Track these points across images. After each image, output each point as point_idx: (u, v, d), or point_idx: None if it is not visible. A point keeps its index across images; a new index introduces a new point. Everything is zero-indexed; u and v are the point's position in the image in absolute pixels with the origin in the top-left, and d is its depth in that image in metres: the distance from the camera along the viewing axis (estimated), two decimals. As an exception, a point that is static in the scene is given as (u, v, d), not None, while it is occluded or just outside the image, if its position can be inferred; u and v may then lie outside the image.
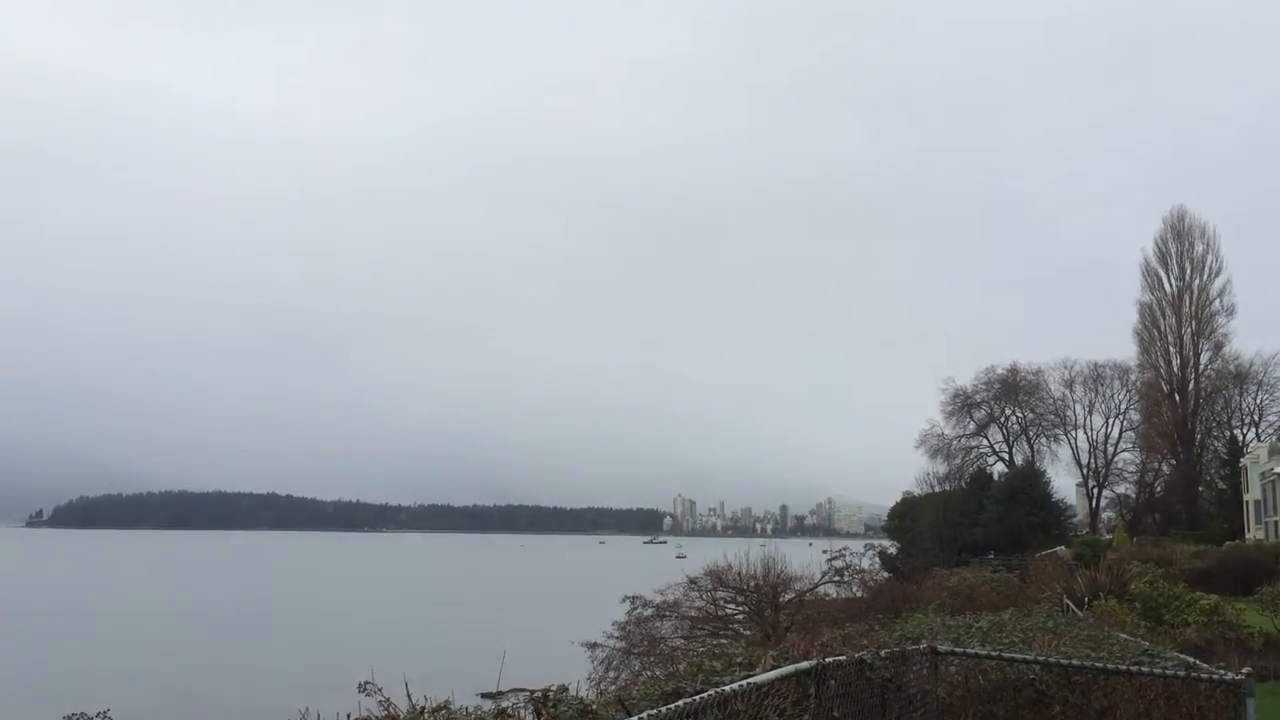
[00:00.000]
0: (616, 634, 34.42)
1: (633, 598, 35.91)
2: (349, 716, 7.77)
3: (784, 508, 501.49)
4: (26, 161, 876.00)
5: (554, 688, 6.97)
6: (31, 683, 42.37)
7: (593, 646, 34.05)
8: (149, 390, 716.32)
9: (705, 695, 6.25)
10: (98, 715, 5.74)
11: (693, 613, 35.13)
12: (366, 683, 7.58)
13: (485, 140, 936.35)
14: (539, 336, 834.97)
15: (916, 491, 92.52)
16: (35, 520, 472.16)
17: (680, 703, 6.01)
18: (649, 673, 24.62)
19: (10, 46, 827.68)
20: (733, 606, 35.36)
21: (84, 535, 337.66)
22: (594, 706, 6.54)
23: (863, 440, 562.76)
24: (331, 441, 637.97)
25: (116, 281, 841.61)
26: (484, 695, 19.38)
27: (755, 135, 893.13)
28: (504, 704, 7.14)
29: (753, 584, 34.37)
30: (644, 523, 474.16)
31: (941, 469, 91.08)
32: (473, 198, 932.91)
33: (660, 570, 48.45)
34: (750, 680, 6.86)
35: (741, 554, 35.32)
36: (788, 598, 34.73)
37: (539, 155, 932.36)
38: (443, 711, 6.95)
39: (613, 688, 21.66)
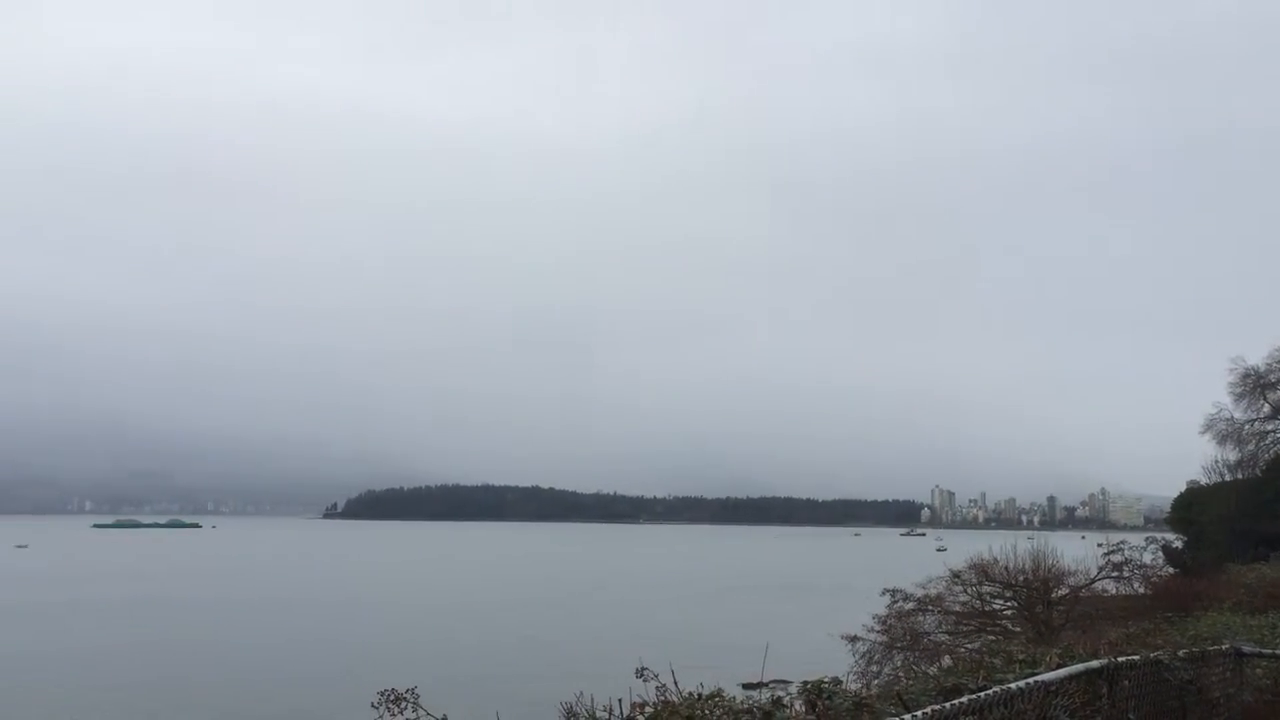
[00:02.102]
0: (877, 627, 33.69)
1: (893, 591, 35.04)
2: (619, 701, 8.01)
3: (1052, 499, 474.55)
4: (312, 189, 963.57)
5: (827, 679, 6.92)
6: (342, 659, 46.63)
7: (853, 640, 33.46)
8: (427, 394, 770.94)
9: (990, 692, 6.01)
10: (407, 691, 6.17)
11: (957, 608, 33.85)
12: (644, 669, 7.77)
13: (717, 134, 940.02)
14: (787, 329, 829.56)
15: (1203, 481, 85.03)
16: (330, 512, 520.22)
17: (963, 699, 5.80)
18: (919, 668, 24.00)
19: (279, 83, 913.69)
20: (1000, 602, 33.80)
21: (369, 525, 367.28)
22: (869, 700, 6.43)
23: (1139, 428, 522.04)
24: (590, 437, 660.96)
25: (387, 297, 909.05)
26: (745, 686, 19.53)
27: (992, 113, 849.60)
28: (776, 694, 7.15)
29: (1021, 579, 32.72)
30: (900, 515, 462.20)
31: (1232, 456, 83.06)
32: (708, 192, 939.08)
33: (919, 563, 47.14)
34: (1036, 678, 6.55)
35: (1007, 547, 33.77)
36: (1060, 593, 32.84)
37: (775, 147, 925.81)
38: (716, 699, 7.03)
39: (876, 682, 21.24)
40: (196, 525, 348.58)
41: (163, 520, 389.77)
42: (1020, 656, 7.82)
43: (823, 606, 72.66)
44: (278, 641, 54.10)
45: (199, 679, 40.66)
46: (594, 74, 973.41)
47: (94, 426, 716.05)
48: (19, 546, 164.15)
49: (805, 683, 6.60)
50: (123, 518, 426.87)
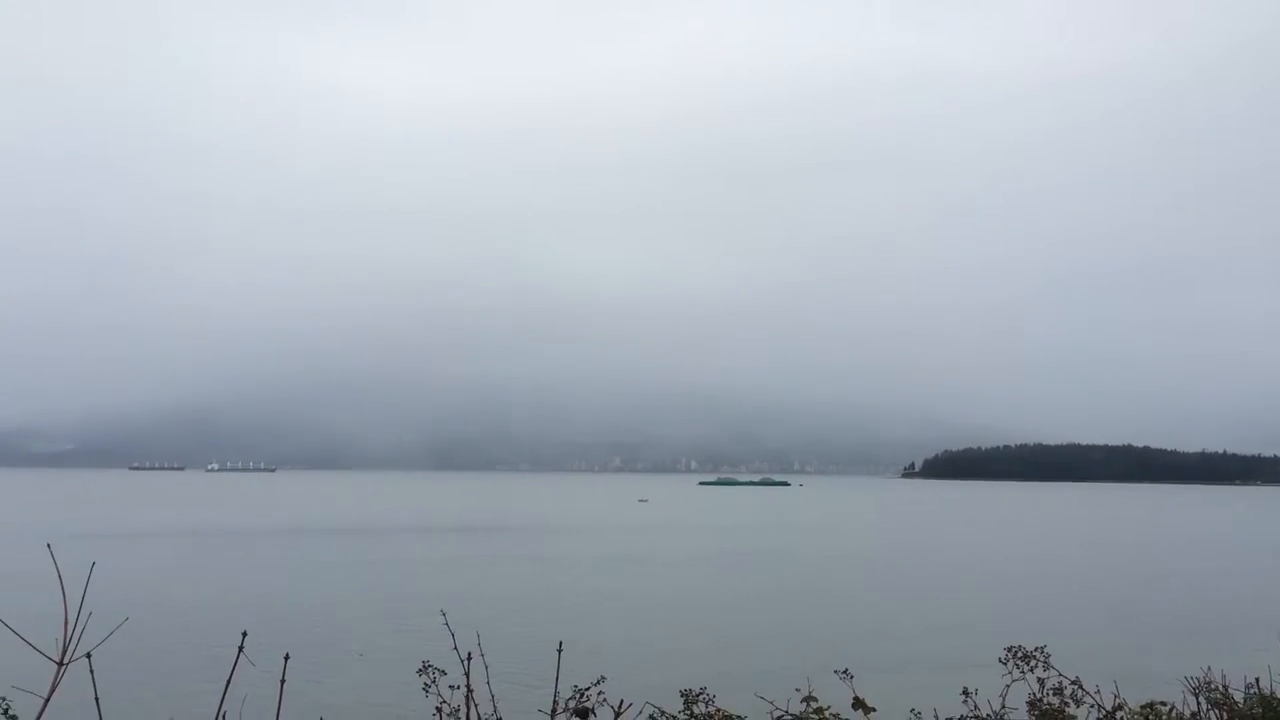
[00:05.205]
0: None
1: None
2: (1256, 680, 7.19)
3: None
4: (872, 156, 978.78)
5: None
6: (961, 611, 47.45)
7: None
8: (1007, 351, 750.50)
9: None
10: (1036, 650, 6.04)
11: None
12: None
13: None
14: None
15: None
16: (909, 471, 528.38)
17: None
18: None
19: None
20: None
21: (948, 485, 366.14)
22: None
23: None
24: (1193, 390, 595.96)
25: (962, 253, 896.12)
26: None
27: None
28: None
29: None
30: None
31: None
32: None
33: None
34: None
35: None
36: None
37: None
38: None
39: None
40: (785, 483, 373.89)
41: (756, 479, 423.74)
42: None
43: None
44: (895, 592, 56.18)
45: (828, 627, 43.10)
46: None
47: (699, 395, 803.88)
48: (641, 501, 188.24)
49: None
50: (723, 475, 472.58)
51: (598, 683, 4.90)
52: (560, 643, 5.44)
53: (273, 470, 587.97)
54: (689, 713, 5.22)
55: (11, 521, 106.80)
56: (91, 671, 4.10)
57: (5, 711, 3.79)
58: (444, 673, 4.86)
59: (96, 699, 4.18)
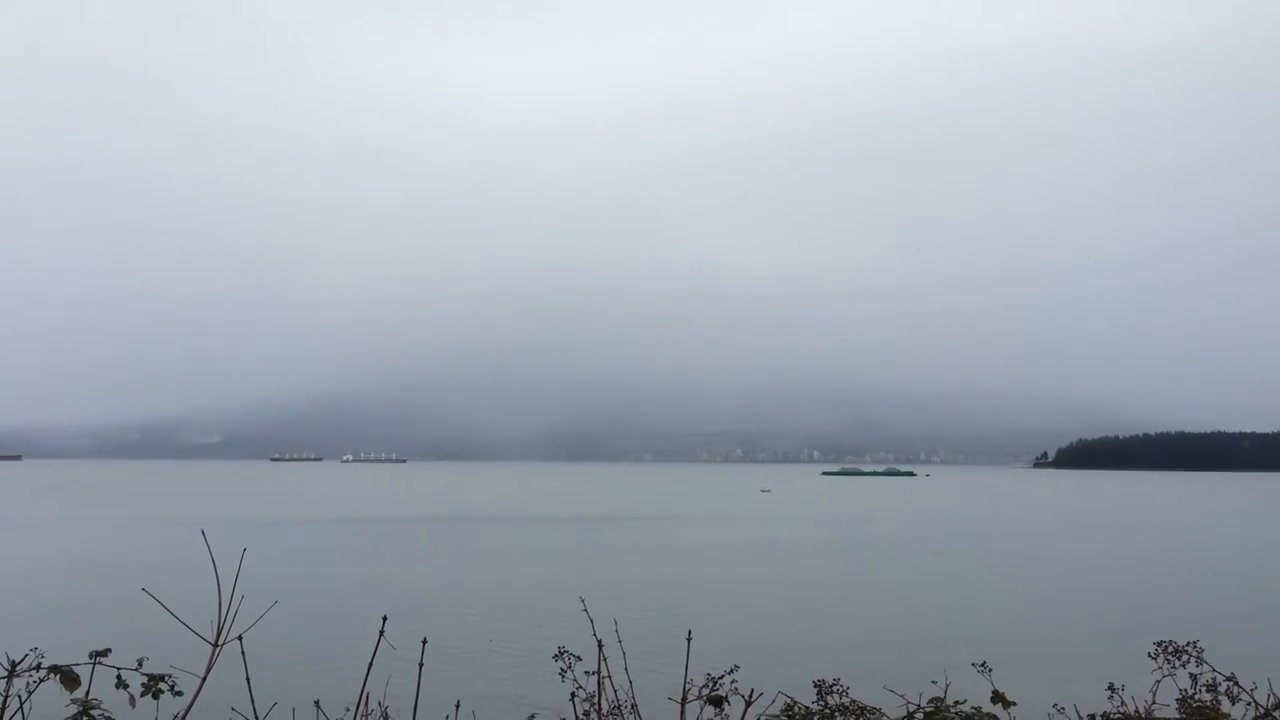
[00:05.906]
0: None
1: None
2: None
3: None
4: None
5: None
6: (1109, 606, 45.99)
7: None
8: (1143, 336, 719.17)
9: None
10: (1188, 644, 5.76)
11: None
12: None
13: None
14: None
15: None
16: (1040, 462, 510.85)
17: None
18: None
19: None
20: None
21: (1084, 475, 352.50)
22: None
23: None
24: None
25: (1075, 245, 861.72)
26: None
27: None
28: None
29: None
30: None
31: None
32: None
33: None
34: None
35: None
36: None
37: None
38: None
39: None
40: (911, 474, 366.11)
41: (880, 469, 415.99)
42: None
43: None
44: (1031, 584, 54.85)
45: (962, 618, 42.04)
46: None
47: (822, 383, 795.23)
48: (763, 491, 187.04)
49: None
50: (846, 465, 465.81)
51: (731, 671, 4.88)
52: (689, 631, 5.43)
53: (403, 461, 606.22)
54: (823, 703, 5.14)
55: (169, 510, 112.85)
56: (243, 653, 4.28)
57: (172, 689, 4.01)
58: (579, 658, 4.93)
59: (248, 679, 4.37)
